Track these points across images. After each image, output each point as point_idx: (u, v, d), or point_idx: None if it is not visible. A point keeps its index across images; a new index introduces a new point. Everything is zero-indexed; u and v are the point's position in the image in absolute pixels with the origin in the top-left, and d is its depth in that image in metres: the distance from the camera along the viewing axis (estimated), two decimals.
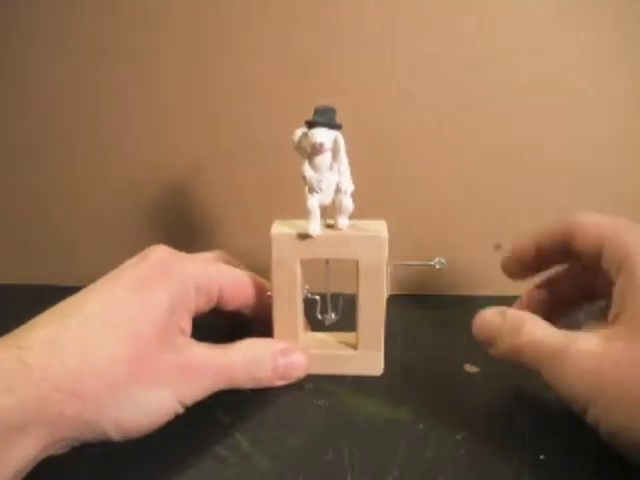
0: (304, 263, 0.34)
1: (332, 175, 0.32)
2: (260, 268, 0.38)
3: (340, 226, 0.33)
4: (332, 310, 0.37)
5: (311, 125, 0.31)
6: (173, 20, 0.42)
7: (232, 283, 0.34)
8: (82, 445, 0.26)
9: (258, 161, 0.44)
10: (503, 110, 0.42)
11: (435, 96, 0.42)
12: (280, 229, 0.33)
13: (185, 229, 0.47)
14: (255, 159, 0.44)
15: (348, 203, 0.33)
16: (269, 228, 0.33)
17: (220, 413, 0.32)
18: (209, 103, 0.43)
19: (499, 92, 0.41)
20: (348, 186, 0.33)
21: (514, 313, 0.31)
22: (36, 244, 0.48)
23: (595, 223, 0.31)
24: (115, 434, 0.26)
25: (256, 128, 0.43)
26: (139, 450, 0.27)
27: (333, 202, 0.33)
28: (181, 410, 0.28)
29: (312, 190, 0.32)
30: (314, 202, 0.32)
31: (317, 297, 0.36)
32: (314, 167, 0.32)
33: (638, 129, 0.42)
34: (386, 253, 0.33)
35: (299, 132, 0.32)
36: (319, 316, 0.37)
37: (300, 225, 0.34)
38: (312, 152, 0.31)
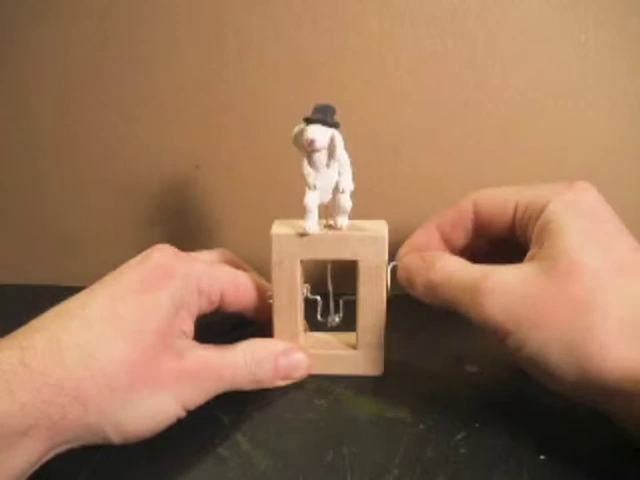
0: (304, 263, 0.34)
1: (330, 173, 0.32)
2: (260, 268, 0.38)
3: (339, 226, 0.33)
4: (335, 312, 0.36)
5: (307, 122, 0.31)
6: (173, 20, 0.42)
7: (234, 286, 0.34)
8: (83, 446, 0.26)
9: (258, 161, 0.44)
10: (503, 110, 0.42)
11: (435, 96, 0.42)
12: (280, 229, 0.33)
13: (186, 228, 0.47)
14: (255, 159, 0.44)
15: (346, 203, 0.33)
16: (269, 228, 0.33)
17: (220, 413, 0.32)
18: (209, 103, 0.43)
19: (499, 92, 0.41)
20: (347, 185, 0.32)
21: (430, 253, 0.32)
22: (37, 244, 0.48)
23: (498, 193, 0.33)
24: (116, 438, 0.26)
25: (256, 128, 0.43)
26: (139, 451, 0.27)
27: (332, 201, 0.33)
28: (183, 414, 0.28)
29: (309, 187, 0.32)
30: (311, 199, 0.32)
31: (318, 297, 0.36)
32: (312, 164, 0.32)
33: (638, 129, 0.42)
34: (386, 253, 0.33)
35: (297, 128, 0.32)
36: (320, 318, 0.36)
37: (300, 225, 0.34)
38: (307, 149, 0.31)
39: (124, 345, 0.27)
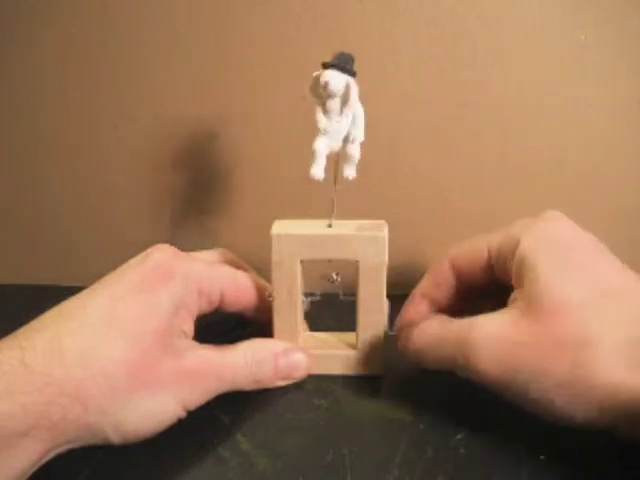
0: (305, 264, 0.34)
1: (343, 121, 0.31)
2: (260, 268, 0.38)
3: (345, 175, 0.33)
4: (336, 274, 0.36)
5: (325, 67, 0.31)
6: (173, 19, 0.42)
7: (234, 285, 0.34)
8: (83, 446, 0.26)
9: (258, 161, 0.44)
10: (503, 110, 0.42)
11: (435, 96, 0.42)
12: (280, 229, 0.33)
13: (186, 228, 0.47)
14: (256, 159, 0.44)
15: (355, 152, 0.32)
16: (269, 228, 0.33)
17: (220, 413, 0.32)
18: (209, 103, 0.43)
19: (499, 92, 0.41)
20: (358, 135, 0.32)
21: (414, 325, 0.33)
22: (37, 244, 0.48)
23: (470, 245, 0.33)
24: (116, 438, 0.26)
25: (256, 128, 0.43)
26: (140, 450, 0.27)
27: (341, 152, 0.32)
28: (184, 415, 0.28)
29: (319, 132, 0.31)
30: (320, 144, 0.31)
31: (318, 297, 0.36)
32: (325, 111, 0.31)
33: (638, 129, 0.42)
34: (386, 253, 0.33)
35: (315, 74, 0.31)
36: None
37: (300, 225, 0.34)
38: (322, 93, 0.31)
39: (124, 345, 0.27)
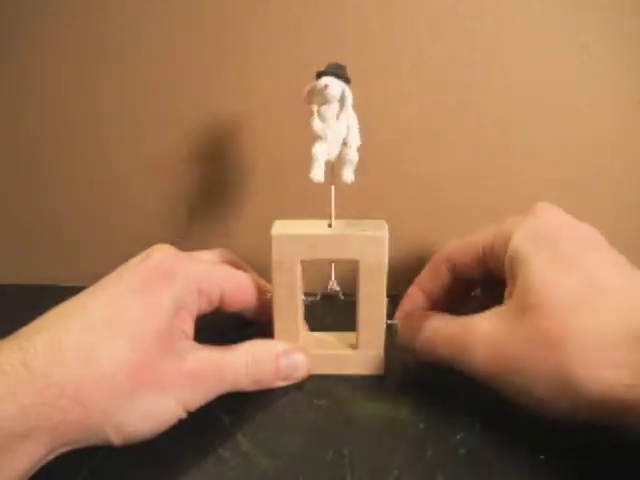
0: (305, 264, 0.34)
1: (339, 126, 0.32)
2: (260, 268, 0.38)
3: (344, 178, 0.33)
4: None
5: (320, 75, 0.31)
6: (172, 20, 0.42)
7: (234, 286, 0.34)
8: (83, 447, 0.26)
9: (258, 161, 0.44)
10: (503, 110, 0.42)
11: (435, 96, 0.42)
12: (280, 229, 0.33)
13: (186, 228, 0.47)
14: (255, 159, 0.44)
15: (354, 156, 0.33)
16: (269, 228, 0.33)
17: (221, 414, 0.32)
18: (209, 103, 0.43)
19: (499, 92, 0.41)
20: (354, 140, 0.33)
21: (416, 315, 0.34)
22: (37, 244, 0.48)
23: (465, 242, 0.34)
24: (117, 439, 0.26)
25: (256, 128, 0.43)
26: (140, 450, 0.27)
27: (339, 156, 0.33)
28: (184, 416, 0.28)
29: (318, 138, 0.32)
30: (319, 149, 0.32)
31: (318, 297, 0.36)
32: (321, 117, 0.32)
33: (638, 129, 0.42)
34: (386, 253, 0.33)
35: (309, 86, 0.32)
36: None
37: (300, 225, 0.34)
38: (319, 98, 0.31)
39: (125, 346, 0.27)
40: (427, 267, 0.36)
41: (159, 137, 0.44)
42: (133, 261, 0.31)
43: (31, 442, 0.24)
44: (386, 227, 0.34)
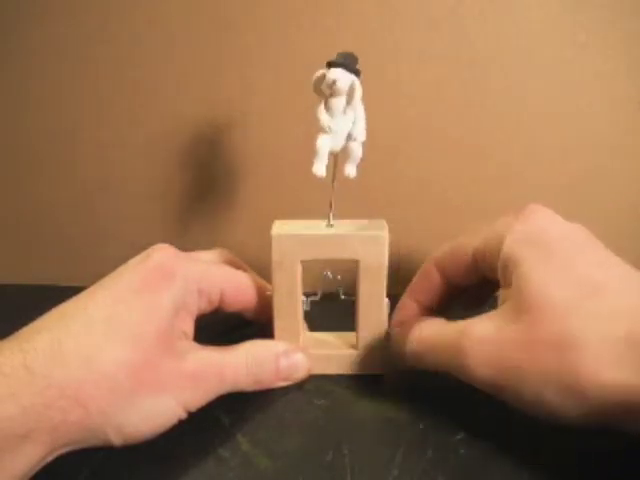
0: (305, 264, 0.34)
1: (345, 120, 0.32)
2: (260, 268, 0.38)
3: (347, 173, 0.33)
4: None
5: (330, 65, 0.31)
6: (172, 20, 0.42)
7: (234, 286, 0.34)
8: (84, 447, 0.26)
9: (258, 161, 0.44)
10: (503, 110, 0.42)
11: (435, 96, 0.42)
12: (280, 229, 0.33)
13: (186, 228, 0.47)
14: (256, 159, 0.44)
15: (358, 150, 0.32)
16: (269, 228, 0.33)
17: (220, 414, 0.32)
18: (209, 103, 0.43)
19: (499, 92, 0.41)
20: (360, 134, 0.32)
21: (408, 323, 0.33)
22: (37, 244, 0.48)
23: (455, 246, 0.33)
24: (117, 440, 0.26)
25: (256, 128, 0.43)
26: (140, 451, 0.27)
27: (343, 149, 0.32)
28: (184, 416, 0.28)
29: (323, 131, 0.32)
30: (323, 142, 0.31)
31: (318, 297, 0.36)
32: (328, 109, 0.31)
33: (638, 129, 0.42)
34: (386, 253, 0.33)
35: (319, 73, 0.31)
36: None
37: (300, 225, 0.34)
38: (327, 91, 0.31)
39: (125, 346, 0.27)
40: (418, 275, 0.36)
41: (159, 137, 0.44)
42: (133, 261, 0.31)
43: (31, 443, 0.24)
44: (386, 227, 0.33)
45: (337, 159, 0.33)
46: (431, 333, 0.32)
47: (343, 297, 0.36)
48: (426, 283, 0.35)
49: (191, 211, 0.46)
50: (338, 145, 0.32)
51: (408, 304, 0.36)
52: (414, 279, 0.36)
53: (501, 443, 0.29)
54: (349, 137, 0.32)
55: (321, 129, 0.31)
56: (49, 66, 0.43)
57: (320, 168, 0.31)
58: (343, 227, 0.34)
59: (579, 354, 0.25)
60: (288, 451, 0.29)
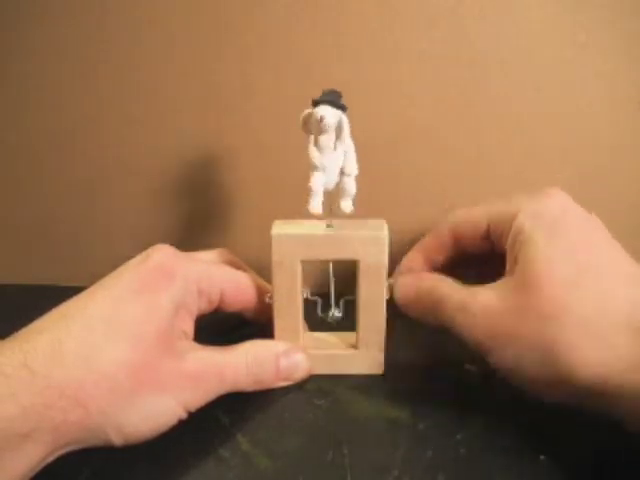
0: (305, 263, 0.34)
1: (336, 156, 0.32)
2: (260, 268, 0.38)
3: (343, 208, 0.33)
4: (335, 307, 0.36)
5: (316, 103, 0.31)
6: (171, 20, 0.42)
7: (234, 285, 0.34)
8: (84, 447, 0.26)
9: (258, 161, 0.44)
10: (503, 110, 0.42)
11: (435, 96, 0.42)
12: (280, 229, 0.33)
13: (186, 228, 0.47)
14: (255, 159, 0.44)
15: (352, 185, 0.33)
16: (269, 228, 0.33)
17: (220, 414, 0.32)
18: (209, 103, 0.43)
19: (499, 92, 0.41)
20: (352, 169, 0.33)
21: (427, 277, 0.34)
22: (37, 244, 0.48)
23: (470, 213, 0.34)
24: (118, 440, 0.26)
25: (256, 128, 0.43)
26: (140, 451, 0.27)
27: (337, 186, 0.33)
28: (185, 416, 0.28)
29: (316, 169, 0.32)
30: (316, 180, 0.32)
31: (317, 298, 0.36)
32: (318, 147, 0.32)
33: (638, 129, 0.42)
34: (386, 253, 0.33)
35: (305, 112, 0.32)
36: (320, 314, 0.36)
37: (300, 225, 0.34)
38: (315, 129, 0.31)
39: (125, 346, 0.27)
40: (431, 234, 0.36)
41: (159, 137, 0.44)
42: (133, 261, 0.31)
43: (32, 443, 0.24)
44: (386, 227, 0.34)
45: (332, 195, 0.33)
46: (441, 285, 0.32)
47: (343, 297, 0.36)
48: (437, 242, 0.36)
49: (191, 211, 0.46)
50: (332, 181, 0.32)
51: (415, 257, 0.36)
52: (425, 236, 0.37)
53: (501, 443, 0.29)
54: (342, 172, 0.33)
55: (313, 167, 0.32)
56: (49, 66, 0.43)
57: (316, 207, 0.32)
58: (343, 227, 0.34)
59: (562, 329, 0.26)
60: (288, 451, 0.29)
